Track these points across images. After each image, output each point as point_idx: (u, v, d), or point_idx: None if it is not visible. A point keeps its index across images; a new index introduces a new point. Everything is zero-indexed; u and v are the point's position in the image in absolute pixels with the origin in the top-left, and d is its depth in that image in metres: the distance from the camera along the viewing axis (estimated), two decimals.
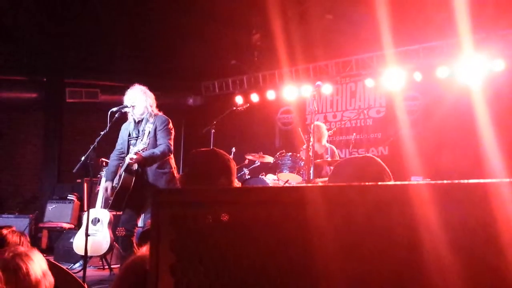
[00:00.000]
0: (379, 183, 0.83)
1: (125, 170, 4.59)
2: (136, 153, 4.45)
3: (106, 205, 5.53)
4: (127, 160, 4.56)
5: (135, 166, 4.62)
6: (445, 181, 0.78)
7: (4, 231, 2.64)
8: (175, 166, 4.83)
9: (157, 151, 4.58)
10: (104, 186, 4.78)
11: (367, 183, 0.83)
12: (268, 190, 0.93)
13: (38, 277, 1.87)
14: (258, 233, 0.84)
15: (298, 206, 0.83)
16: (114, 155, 4.89)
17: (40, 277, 1.88)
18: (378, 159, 1.85)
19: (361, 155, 1.94)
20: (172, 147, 4.71)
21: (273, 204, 0.84)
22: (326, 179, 6.10)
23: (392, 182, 1.37)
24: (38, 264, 1.90)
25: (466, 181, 0.77)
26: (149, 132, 4.57)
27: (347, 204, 0.82)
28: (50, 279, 1.95)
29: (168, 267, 0.85)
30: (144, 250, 1.54)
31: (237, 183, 2.45)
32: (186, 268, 0.85)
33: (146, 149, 4.52)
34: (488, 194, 0.75)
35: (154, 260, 0.86)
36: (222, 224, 0.85)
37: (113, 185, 4.74)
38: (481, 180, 0.76)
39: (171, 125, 4.77)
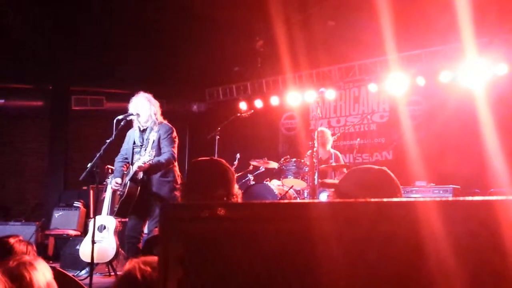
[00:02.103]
0: (384, 199, 0.86)
1: (130, 179, 4.62)
2: (143, 163, 4.49)
3: (112, 212, 5.56)
4: (133, 169, 4.60)
5: (141, 175, 4.65)
6: (449, 198, 0.81)
7: (12, 240, 2.67)
8: (179, 174, 4.85)
9: (162, 159, 4.61)
10: (114, 181, 4.82)
11: (372, 200, 0.85)
12: (275, 206, 0.95)
13: (41, 287, 1.88)
14: (266, 248, 0.86)
15: (304, 221, 0.86)
16: (119, 158, 4.97)
17: (44, 287, 1.89)
18: (392, 175, 1.89)
19: (377, 167, 1.95)
20: (176, 155, 4.74)
21: (280, 220, 0.87)
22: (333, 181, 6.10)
23: (397, 199, 1.41)
24: (42, 274, 1.90)
25: (468, 198, 0.80)
26: (153, 141, 4.59)
27: (352, 219, 0.85)
28: None
29: (176, 281, 0.88)
30: (137, 260, 1.57)
31: (237, 191, 2.48)
32: (194, 282, 0.88)
33: (152, 161, 4.54)
34: (492, 209, 0.78)
35: (163, 274, 0.89)
36: (230, 239, 0.88)
37: (119, 193, 4.78)
38: (484, 198, 0.79)
39: (175, 133, 4.80)
